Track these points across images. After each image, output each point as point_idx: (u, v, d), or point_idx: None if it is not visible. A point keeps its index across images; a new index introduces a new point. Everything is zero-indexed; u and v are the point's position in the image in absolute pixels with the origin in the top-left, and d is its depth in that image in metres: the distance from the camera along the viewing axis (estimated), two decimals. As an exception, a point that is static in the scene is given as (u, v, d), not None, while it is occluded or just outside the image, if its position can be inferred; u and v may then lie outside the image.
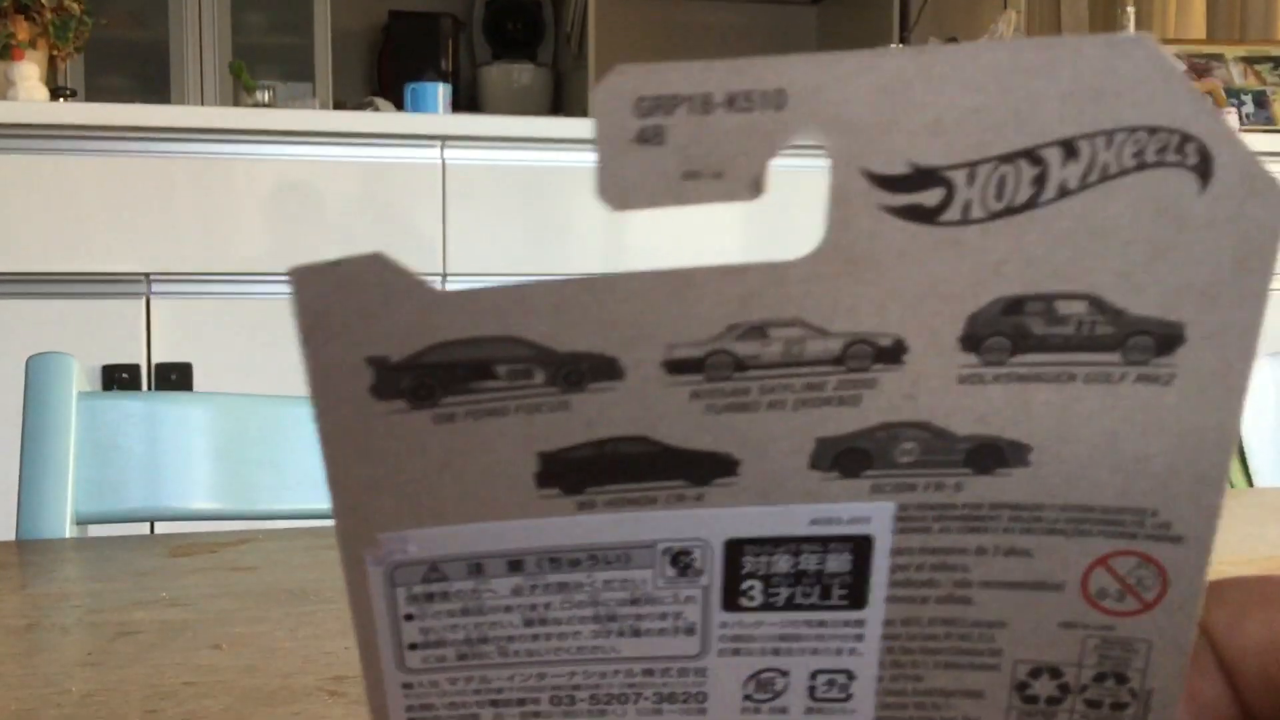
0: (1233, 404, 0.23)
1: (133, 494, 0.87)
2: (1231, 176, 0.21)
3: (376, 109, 2.68)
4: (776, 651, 0.25)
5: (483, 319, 0.22)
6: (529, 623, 0.25)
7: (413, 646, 0.25)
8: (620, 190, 0.21)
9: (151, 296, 2.05)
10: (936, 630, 0.25)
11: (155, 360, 2.04)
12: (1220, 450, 0.23)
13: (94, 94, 3.69)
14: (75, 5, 2.36)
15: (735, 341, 0.22)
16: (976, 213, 0.21)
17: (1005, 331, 0.22)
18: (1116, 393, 0.23)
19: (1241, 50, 2.95)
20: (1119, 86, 0.21)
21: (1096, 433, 0.23)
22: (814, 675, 0.25)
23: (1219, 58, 2.91)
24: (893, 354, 0.22)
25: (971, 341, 0.22)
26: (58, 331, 1.99)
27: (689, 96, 0.21)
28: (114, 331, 2.03)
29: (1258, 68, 2.90)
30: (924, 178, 0.21)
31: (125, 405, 0.88)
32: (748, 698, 0.26)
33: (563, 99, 4.53)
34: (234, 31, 4.03)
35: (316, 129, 2.12)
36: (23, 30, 2.27)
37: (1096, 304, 0.22)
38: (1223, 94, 2.80)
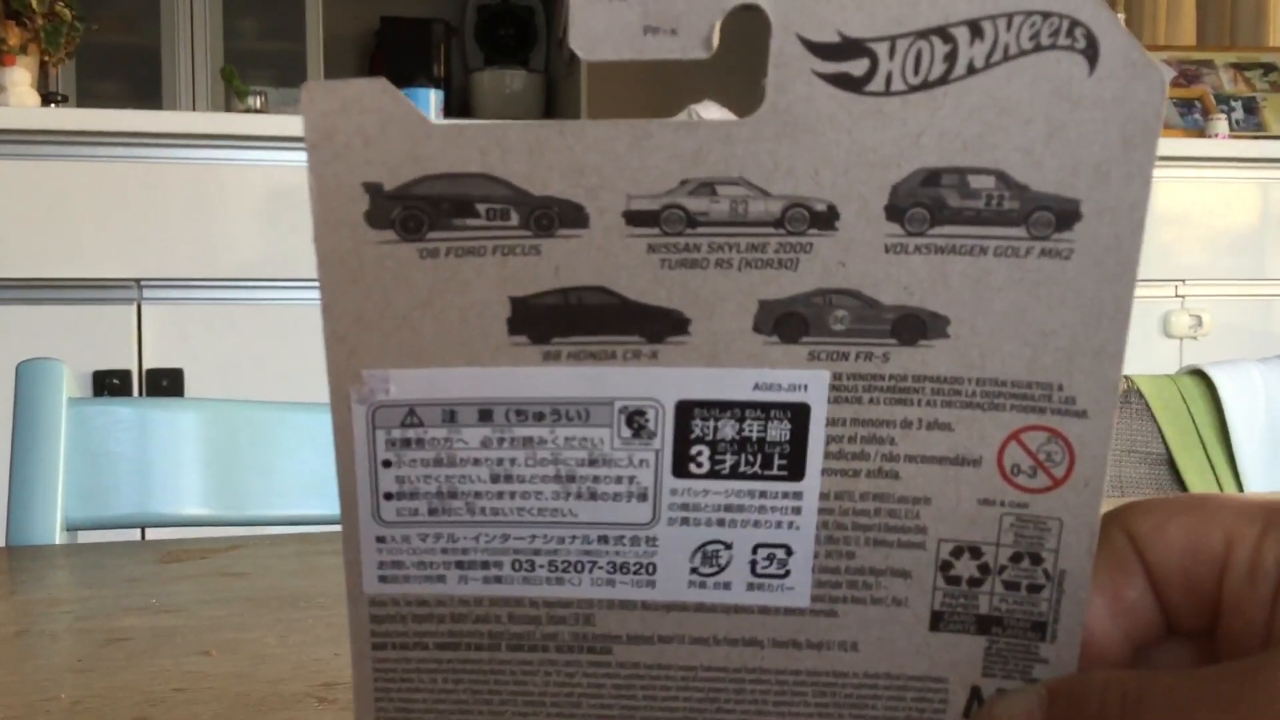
0: (1126, 277, 0.25)
1: (123, 500, 0.87)
2: (1116, 60, 0.24)
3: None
4: (721, 523, 0.27)
5: (468, 153, 0.24)
6: (495, 478, 0.27)
7: (388, 496, 0.27)
8: (589, 41, 0.24)
9: (143, 302, 2.05)
10: (867, 505, 0.27)
11: (146, 366, 2.04)
12: (1116, 324, 0.26)
13: (85, 99, 3.68)
14: (66, 11, 2.36)
15: (687, 197, 0.25)
16: (897, 85, 0.24)
17: (924, 203, 0.25)
18: (1023, 266, 0.25)
19: (1231, 56, 2.96)
20: None
21: (1007, 306, 0.25)
22: (755, 549, 0.28)
23: (1209, 64, 2.92)
24: (826, 219, 0.25)
25: (895, 211, 0.25)
26: (49, 337, 1.99)
27: None
28: (105, 337, 2.02)
29: (1247, 74, 2.90)
30: (851, 47, 0.24)
31: (115, 411, 0.87)
32: (694, 570, 0.28)
33: (555, 105, 4.53)
34: (225, 37, 4.02)
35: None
36: (14, 36, 2.27)
37: (1003, 179, 0.25)
38: (1212, 99, 2.80)
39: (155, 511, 0.88)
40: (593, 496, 0.27)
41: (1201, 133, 2.73)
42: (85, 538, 0.86)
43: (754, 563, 0.28)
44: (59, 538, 0.83)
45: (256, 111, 2.62)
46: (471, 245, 0.25)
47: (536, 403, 0.26)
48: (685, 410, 0.26)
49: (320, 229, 0.25)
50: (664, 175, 0.25)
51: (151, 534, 1.52)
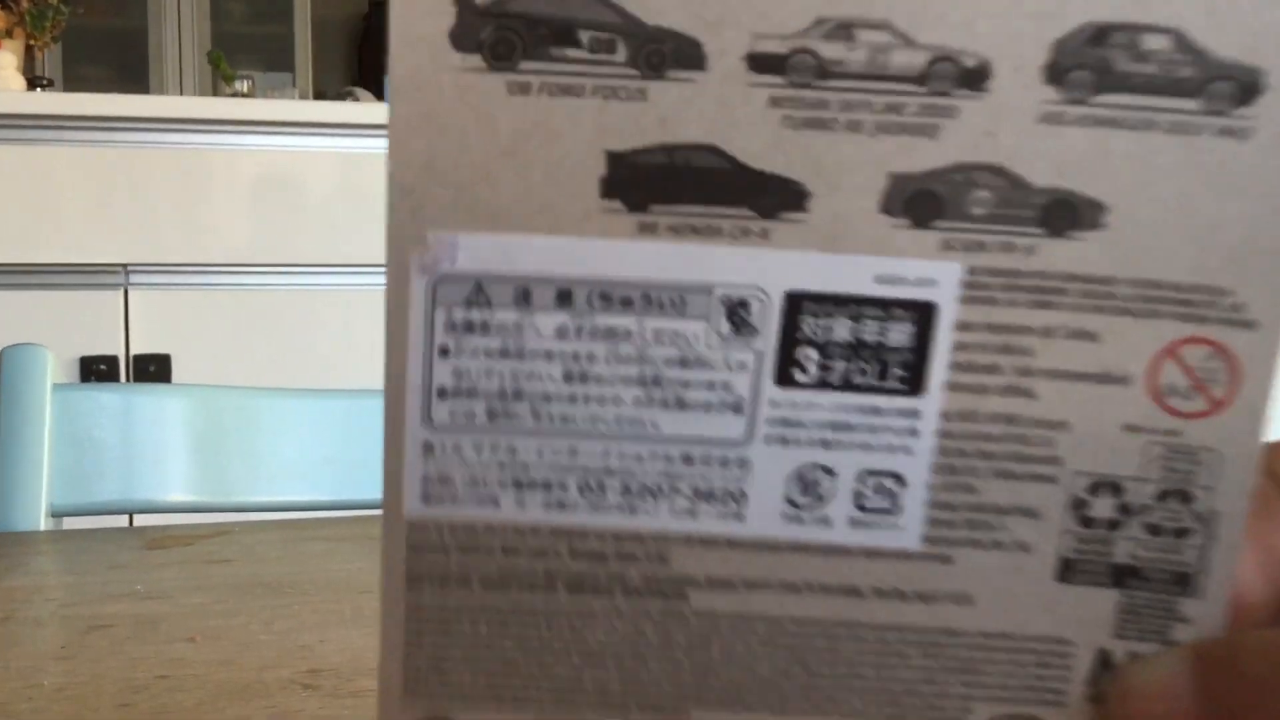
0: None
1: (108, 486, 0.86)
2: None
3: (356, 99, 2.67)
4: (825, 444, 0.24)
5: None
6: (569, 377, 0.24)
7: (442, 393, 0.24)
8: None
9: (129, 287, 2.04)
10: (995, 429, 0.24)
11: (133, 352, 2.03)
12: None
13: (71, 84, 3.67)
14: (52, -6, 2.35)
15: (821, 40, 0.22)
16: None
17: (1089, 64, 0.22)
18: (1195, 146, 0.22)
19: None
20: None
21: (1174, 193, 0.23)
22: (862, 477, 0.24)
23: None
24: (977, 78, 0.22)
25: (1055, 72, 0.22)
26: (35, 323, 1.98)
27: None
28: (92, 323, 2.02)
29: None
30: None
31: (100, 397, 0.87)
32: (790, 501, 0.24)
33: None
34: (213, 20, 4.01)
35: (296, 119, 2.11)
36: (-1, 19, 2.26)
37: (1181, 40, 0.22)
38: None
39: (141, 498, 0.88)
40: (680, 405, 0.24)
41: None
42: (71, 524, 0.86)
43: (860, 493, 0.24)
44: (44, 524, 0.83)
45: (244, 96, 2.61)
46: (569, 83, 0.22)
47: (625, 284, 0.23)
48: (794, 304, 0.23)
49: (396, 49, 0.22)
50: (798, 10, 0.22)
51: (137, 520, 1.52)
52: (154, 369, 2.03)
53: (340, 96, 2.83)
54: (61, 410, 0.85)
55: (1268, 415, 0.24)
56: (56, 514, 0.84)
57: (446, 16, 0.22)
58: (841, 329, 0.23)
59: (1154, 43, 0.22)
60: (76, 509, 0.85)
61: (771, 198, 0.23)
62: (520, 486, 0.24)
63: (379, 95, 2.63)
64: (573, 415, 0.24)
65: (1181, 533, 0.24)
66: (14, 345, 0.84)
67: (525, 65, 0.22)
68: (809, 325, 0.23)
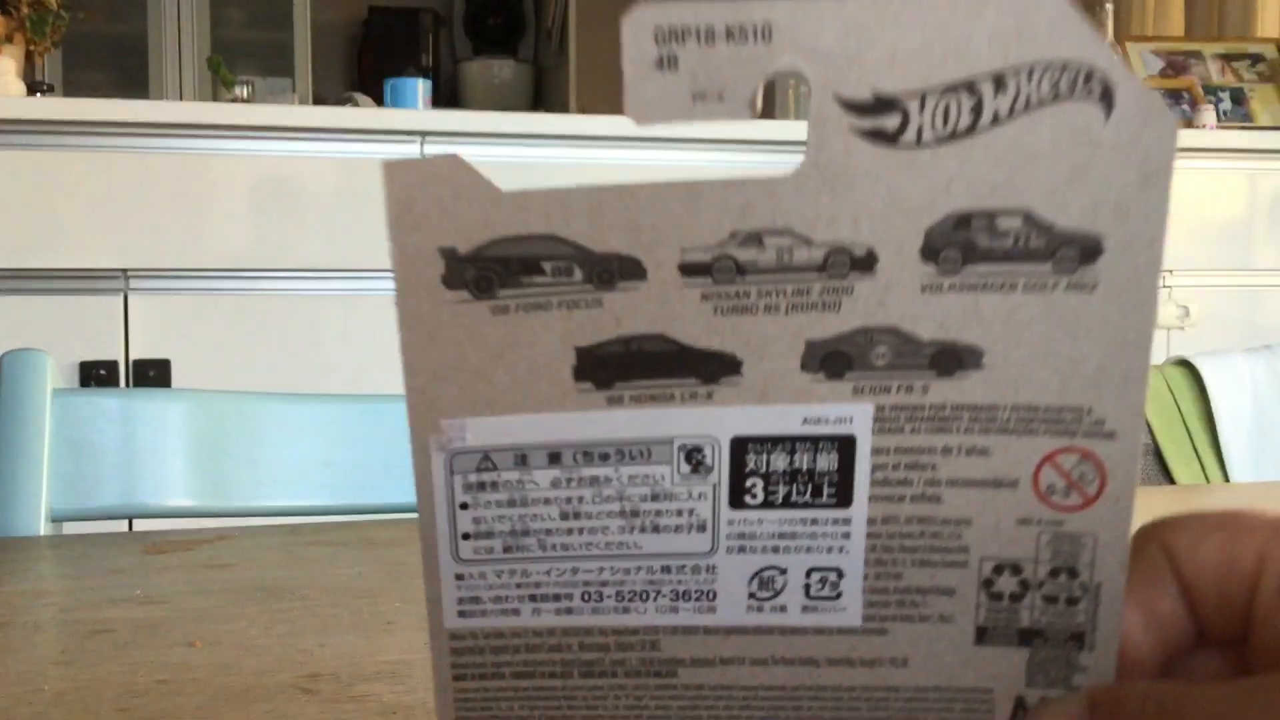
0: (1147, 307, 0.27)
1: (108, 491, 0.86)
2: (1130, 106, 0.26)
3: (356, 104, 2.67)
4: (776, 549, 0.29)
5: (534, 217, 0.26)
6: (565, 516, 0.29)
7: (466, 536, 0.29)
8: (643, 109, 0.26)
9: (129, 293, 2.04)
10: (912, 529, 0.29)
11: (133, 357, 2.03)
12: (1140, 350, 0.27)
13: (72, 89, 3.67)
14: (52, 0, 2.35)
15: (736, 248, 0.26)
16: (928, 137, 0.26)
17: (956, 243, 0.26)
18: (1051, 299, 0.27)
19: (1219, 47, 2.96)
20: (1035, 28, 0.25)
21: (1037, 337, 0.27)
22: (809, 573, 0.29)
23: (1197, 55, 2.92)
24: (866, 263, 0.26)
25: (929, 252, 0.26)
26: (35, 328, 1.98)
27: (696, 28, 0.25)
28: (92, 328, 2.02)
29: (1235, 65, 2.91)
30: (884, 104, 0.26)
31: (100, 402, 0.87)
32: (752, 595, 0.30)
33: (543, 94, 4.52)
34: (212, 26, 4.01)
35: (295, 124, 2.11)
36: (-1, 25, 2.26)
37: (1029, 219, 0.26)
38: (1200, 90, 2.80)
39: (141, 503, 0.88)
40: (655, 529, 0.29)
41: (1189, 123, 2.73)
42: (71, 529, 0.86)
43: (808, 586, 0.29)
44: (44, 529, 0.83)
45: (244, 101, 2.61)
46: (538, 301, 0.27)
47: (602, 444, 0.28)
48: (740, 445, 0.28)
49: (401, 292, 0.27)
50: (714, 229, 0.26)
51: (137, 525, 1.52)
52: (154, 374, 2.03)
53: (340, 102, 2.83)
54: (61, 415, 0.85)
55: (1133, 503, 0.28)
56: (56, 519, 0.84)
57: (437, 266, 0.27)
58: (780, 461, 0.28)
59: (1007, 223, 0.26)
60: (76, 514, 0.85)
61: (712, 367, 0.27)
62: (535, 599, 0.30)
63: (378, 100, 2.63)
64: (571, 544, 0.29)
65: (1072, 600, 0.29)
66: (14, 350, 0.84)
67: (503, 293, 0.27)
68: (753, 460, 0.28)
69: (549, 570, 0.29)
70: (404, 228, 0.27)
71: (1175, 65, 2.90)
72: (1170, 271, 2.47)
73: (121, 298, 2.04)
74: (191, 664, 0.53)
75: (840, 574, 0.29)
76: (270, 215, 2.10)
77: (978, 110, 0.26)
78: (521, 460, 0.29)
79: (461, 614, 0.30)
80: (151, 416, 0.89)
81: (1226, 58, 2.93)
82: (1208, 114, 2.71)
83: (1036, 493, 0.29)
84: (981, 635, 0.30)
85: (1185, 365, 1.28)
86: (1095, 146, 0.26)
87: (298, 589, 0.65)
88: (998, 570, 0.29)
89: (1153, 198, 0.26)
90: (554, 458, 0.29)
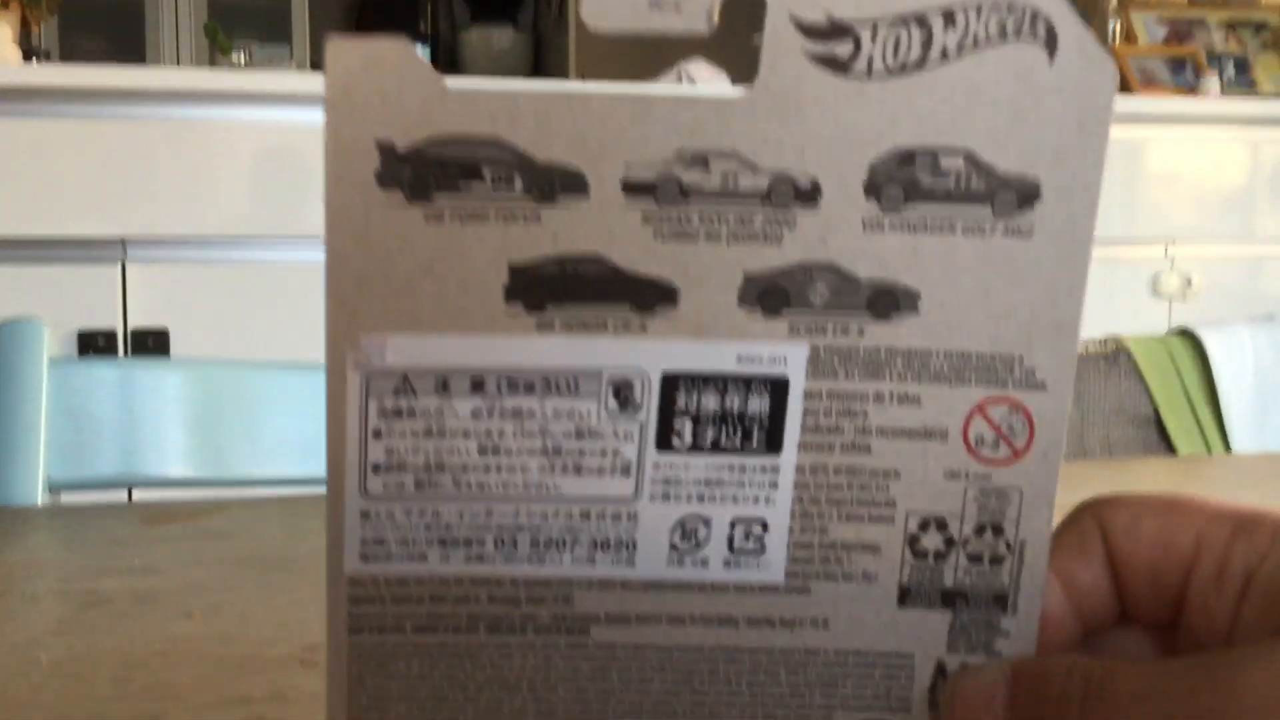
0: (1081, 255, 0.27)
1: (106, 461, 0.86)
2: (1072, 51, 0.26)
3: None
4: (701, 498, 0.28)
5: (479, 117, 0.26)
6: (484, 450, 0.28)
7: (376, 468, 0.28)
8: (599, 13, 0.25)
9: (127, 262, 2.03)
10: (840, 479, 0.29)
11: (132, 326, 2.03)
12: (1073, 299, 0.28)
13: (68, 56, 3.64)
14: (48, -34, 2.33)
15: (682, 169, 0.26)
16: (877, 68, 0.26)
17: (899, 181, 0.27)
18: (988, 244, 0.27)
19: (1223, 15, 2.94)
20: None
21: (973, 282, 0.27)
22: (733, 525, 0.29)
23: (1201, 22, 2.90)
24: (809, 195, 0.27)
25: (873, 188, 0.27)
26: (32, 297, 1.97)
27: None
28: (90, 297, 2.01)
29: (1239, 32, 2.89)
30: (838, 30, 0.26)
31: (97, 372, 0.87)
32: (673, 547, 0.29)
33: (542, 62, 4.50)
34: (210, -7, 3.98)
35: (293, 91, 2.10)
36: (-6, -9, 2.24)
37: (971, 160, 0.27)
38: (1204, 58, 2.79)
39: (138, 473, 0.87)
40: (578, 470, 0.28)
41: (1193, 91, 2.72)
42: (68, 499, 0.86)
43: (731, 539, 0.29)
44: (41, 499, 0.82)
45: (241, 68, 2.59)
46: (475, 210, 0.26)
47: (527, 372, 0.27)
48: (670, 382, 0.28)
49: (332, 187, 0.26)
50: (661, 145, 0.26)
51: (136, 495, 1.52)
52: (152, 343, 2.03)
53: (338, 69, 2.81)
54: (58, 385, 0.84)
55: (1060, 459, 0.29)
56: (54, 489, 0.84)
57: (373, 160, 0.26)
58: (710, 401, 0.28)
59: (950, 162, 0.27)
60: (74, 484, 0.85)
61: (648, 295, 0.27)
62: (444, 544, 0.28)
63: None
64: (487, 482, 0.28)
65: (996, 560, 0.29)
66: (9, 320, 0.84)
67: (439, 198, 0.26)
68: (683, 399, 0.28)
69: (462, 512, 0.28)
70: (341, 113, 0.25)
71: (1179, 33, 2.88)
72: (1173, 241, 2.47)
73: (119, 267, 2.03)
74: (189, 635, 0.53)
75: (765, 526, 0.29)
76: (269, 183, 2.09)
77: (927, 45, 0.26)
78: (443, 386, 0.27)
79: (364, 557, 0.28)
80: (150, 386, 0.88)
81: (1231, 25, 2.91)
82: (1211, 82, 2.70)
83: (966, 444, 0.29)
84: (904, 596, 0.29)
85: (1187, 336, 1.28)
86: (1037, 90, 0.26)
87: (296, 560, 0.64)
88: (923, 526, 0.29)
89: (1090, 144, 0.27)
90: (477, 385, 0.27)
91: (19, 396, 0.82)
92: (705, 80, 2.08)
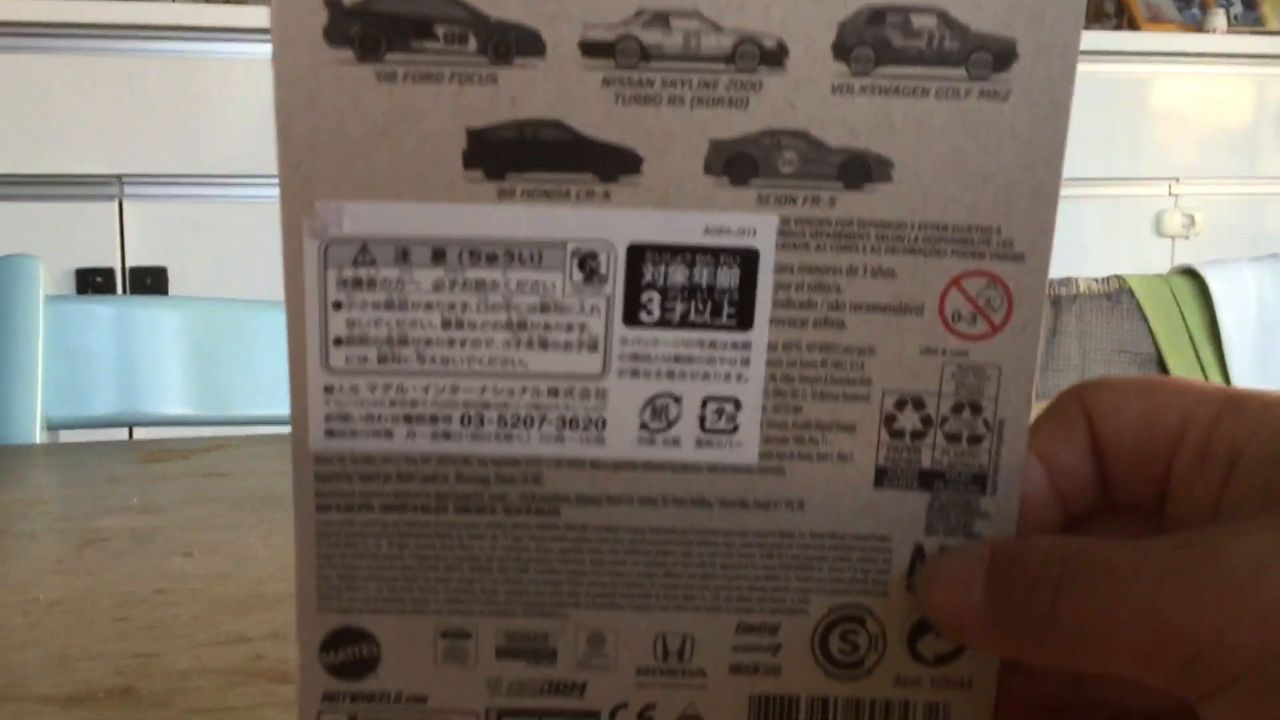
0: (1060, 119, 0.26)
1: (104, 399, 0.86)
2: None
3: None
4: (671, 375, 0.28)
5: None
6: (447, 324, 0.27)
7: (338, 341, 0.27)
8: None
9: (124, 199, 2.02)
10: (814, 356, 0.28)
11: (130, 264, 2.02)
12: (1051, 166, 0.27)
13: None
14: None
15: (641, 28, 0.25)
16: None
17: (869, 42, 0.26)
18: (963, 108, 0.26)
19: (1231, -50, 2.90)
20: None
21: (948, 148, 0.27)
22: (705, 403, 0.28)
23: (1208, -43, 2.87)
24: (776, 57, 0.26)
25: (842, 50, 0.26)
26: (29, 234, 1.96)
27: None
28: (87, 235, 2.00)
29: (1247, -32, 2.86)
30: None
31: (94, 309, 0.86)
32: (643, 426, 0.28)
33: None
34: (205, -73, 3.93)
35: (290, 27, 2.08)
36: (-14, -76, 2.21)
37: (944, 18, 0.26)
38: (1211, -6, 2.76)
39: (137, 411, 0.87)
40: (543, 345, 0.27)
41: (1199, 27, 2.69)
42: (67, 437, 0.86)
43: (703, 417, 0.28)
44: (39, 437, 0.82)
45: (238, 2, 2.57)
46: (429, 71, 0.25)
47: (490, 242, 0.27)
48: (637, 254, 0.27)
49: (278, 46, 0.25)
50: (620, 3, 0.25)
51: (135, 434, 1.52)
52: (150, 281, 2.02)
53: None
54: (55, 322, 0.84)
55: (1039, 333, 0.28)
56: (52, 427, 0.84)
57: (320, 16, 0.25)
58: (678, 274, 0.27)
59: (922, 21, 0.26)
60: (72, 422, 0.85)
61: (610, 163, 0.26)
62: (410, 420, 0.28)
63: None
64: (452, 357, 0.27)
65: (975, 439, 0.28)
66: (4, 256, 0.83)
67: (390, 57, 0.25)
68: (650, 272, 0.27)
69: (427, 387, 0.27)
70: None
71: (1186, -32, 2.85)
72: (1176, 179, 2.45)
73: (116, 204, 2.02)
74: (188, 573, 0.53)
75: (737, 405, 0.28)
76: (268, 120, 2.07)
77: None
78: (403, 256, 0.26)
79: (329, 433, 0.28)
80: (147, 324, 0.88)
81: (1238, -40, 2.87)
82: (1218, 18, 2.67)
83: (942, 320, 0.28)
84: (881, 477, 0.29)
85: (1190, 274, 1.27)
86: None
87: (295, 498, 0.64)
88: (900, 405, 0.28)
89: (1068, 4, 0.26)
90: (438, 255, 0.27)
91: (16, 334, 0.82)
92: None
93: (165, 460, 0.71)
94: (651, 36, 0.25)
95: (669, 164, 0.26)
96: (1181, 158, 2.46)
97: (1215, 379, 1.22)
